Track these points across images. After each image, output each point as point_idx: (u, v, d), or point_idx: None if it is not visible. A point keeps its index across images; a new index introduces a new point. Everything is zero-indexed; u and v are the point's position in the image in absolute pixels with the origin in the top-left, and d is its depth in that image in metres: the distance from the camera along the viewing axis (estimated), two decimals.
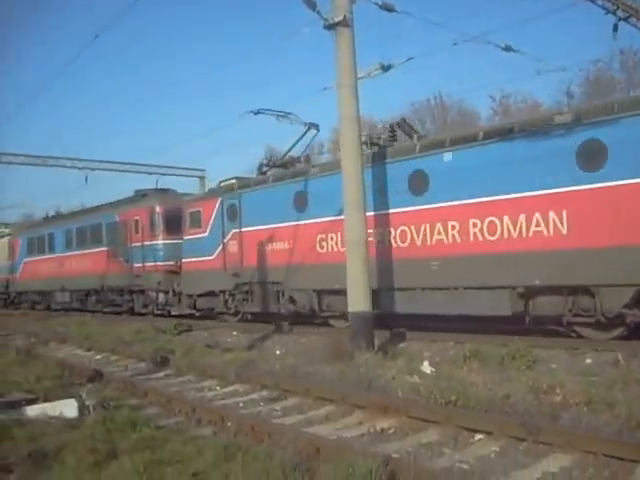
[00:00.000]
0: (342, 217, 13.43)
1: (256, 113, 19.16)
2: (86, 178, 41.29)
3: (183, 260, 21.57)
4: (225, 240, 19.49)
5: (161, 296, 23.78)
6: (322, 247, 16.25)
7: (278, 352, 13.64)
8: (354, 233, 12.55)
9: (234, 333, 17.12)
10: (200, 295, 20.91)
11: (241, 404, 9.01)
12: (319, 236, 16.32)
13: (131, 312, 25.36)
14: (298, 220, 16.94)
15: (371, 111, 34.54)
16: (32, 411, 8.16)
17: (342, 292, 13.68)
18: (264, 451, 5.83)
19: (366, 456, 5.44)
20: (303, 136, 19.29)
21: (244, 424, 7.13)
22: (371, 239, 13.89)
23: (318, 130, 19.32)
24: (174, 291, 22.65)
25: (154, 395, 9.33)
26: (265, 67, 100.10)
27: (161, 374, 11.75)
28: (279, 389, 9.51)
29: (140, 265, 24.25)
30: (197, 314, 21.54)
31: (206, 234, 20.33)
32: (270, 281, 17.78)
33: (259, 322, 18.66)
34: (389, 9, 13.89)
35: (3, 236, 41.77)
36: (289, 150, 19.83)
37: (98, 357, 14.71)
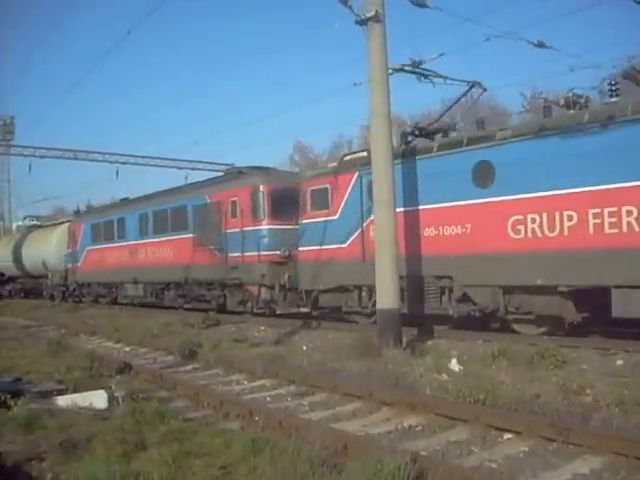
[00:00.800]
0: (552, 192, 12.30)
1: (397, 70, 14.93)
2: (117, 172, 41.69)
3: (300, 248, 18.05)
4: (365, 224, 15.93)
5: (264, 291, 19.78)
6: (518, 231, 13.01)
7: (305, 347, 13.64)
8: (384, 230, 12.49)
9: (262, 328, 17.15)
10: (324, 291, 17.51)
11: (269, 398, 9.04)
12: (513, 218, 13.07)
13: (221, 309, 21.33)
14: (479, 197, 13.72)
15: (400, 108, 34.27)
16: (63, 401, 8.25)
17: (547, 290, 12.41)
18: (292, 446, 5.82)
19: (394, 453, 5.41)
20: (464, 95, 16.55)
21: (272, 418, 7.15)
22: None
23: (484, 89, 16.65)
24: (281, 286, 19.07)
25: (182, 388, 9.39)
26: (295, 63, 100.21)
27: (189, 367, 11.83)
28: (306, 384, 9.53)
29: (238, 255, 20.25)
30: (314, 313, 18.72)
31: (336, 217, 16.95)
32: (433, 275, 14.66)
33: (287, 317, 18.66)
34: (421, 5, 13.78)
35: (59, 223, 38.26)
36: (445, 112, 17.18)
37: (127, 349, 14.84)
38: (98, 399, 8.17)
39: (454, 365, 10.48)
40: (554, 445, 6.25)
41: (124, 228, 28.22)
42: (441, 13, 14.47)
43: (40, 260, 35.91)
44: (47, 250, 35.37)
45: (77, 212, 40.47)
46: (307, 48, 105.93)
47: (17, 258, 39.13)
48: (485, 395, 7.95)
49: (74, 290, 33.50)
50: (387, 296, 12.40)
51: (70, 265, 32.65)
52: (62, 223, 36.64)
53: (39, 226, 40.30)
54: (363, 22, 12.62)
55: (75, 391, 8.72)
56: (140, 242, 26.74)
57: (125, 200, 31.82)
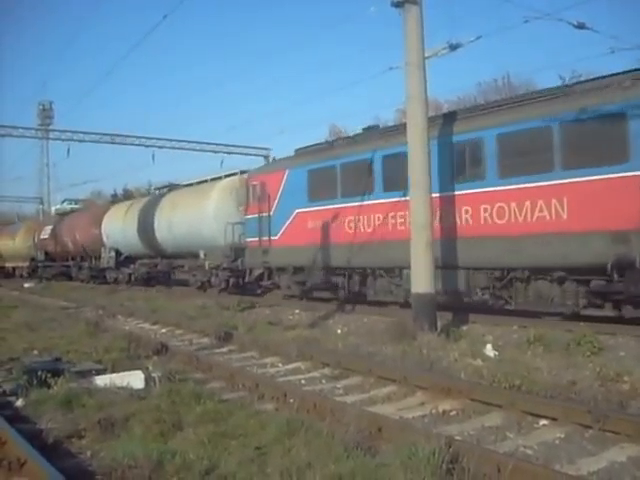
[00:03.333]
0: None
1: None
2: (153, 156, 42.01)
3: None
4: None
5: None
6: None
7: (339, 331, 13.67)
8: (419, 214, 12.43)
9: (296, 311, 17.21)
10: None
11: (303, 381, 9.09)
12: None
13: None
14: None
15: (436, 92, 33.92)
16: (101, 381, 8.39)
17: None
18: (326, 428, 5.86)
19: (429, 437, 5.41)
20: None
21: (306, 401, 7.18)
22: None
23: None
24: None
25: (218, 370, 9.47)
26: (331, 48, 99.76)
27: (225, 349, 11.92)
28: (341, 368, 9.56)
29: None
30: None
31: None
32: None
33: (321, 301, 18.71)
34: None
35: (217, 178, 25.69)
36: None
37: (163, 331, 15.01)
38: (135, 379, 8.29)
39: (489, 350, 10.43)
40: (590, 432, 6.20)
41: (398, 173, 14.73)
42: None
43: (185, 232, 25.22)
44: (200, 217, 24.12)
45: (272, 159, 30.41)
46: (343, 33, 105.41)
47: (145, 230, 28.53)
48: (520, 381, 7.91)
49: (261, 277, 22.24)
50: (422, 281, 12.36)
51: (251, 239, 21.40)
52: (221, 178, 25.14)
53: (179, 186, 29.21)
54: (399, 4, 12.52)
55: (113, 371, 8.88)
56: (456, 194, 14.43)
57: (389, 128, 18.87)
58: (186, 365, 9.97)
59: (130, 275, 32.13)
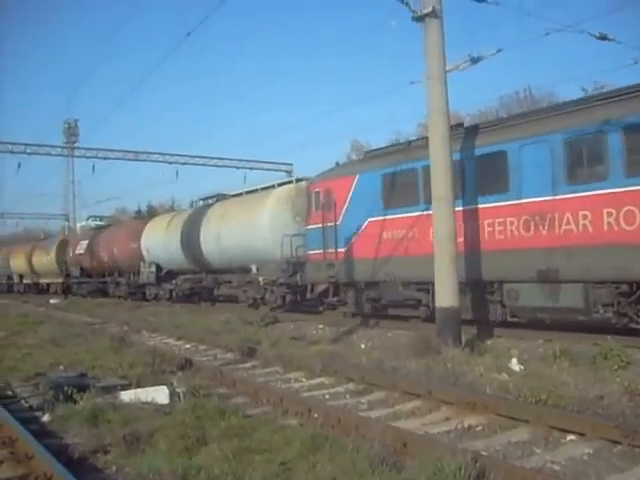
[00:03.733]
0: None
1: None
2: (176, 172, 42.45)
3: None
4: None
5: None
6: None
7: (363, 346, 13.62)
8: (443, 227, 12.38)
9: (320, 326, 17.18)
10: None
11: (327, 396, 9.06)
12: None
13: None
14: None
15: (457, 105, 33.93)
16: (126, 396, 8.43)
17: None
18: (351, 443, 5.84)
19: (454, 452, 5.37)
20: None
21: (331, 416, 7.16)
22: None
23: None
24: None
25: (242, 385, 9.48)
26: (352, 62, 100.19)
27: (248, 364, 11.92)
28: (365, 382, 9.52)
29: None
30: None
31: None
32: None
33: (344, 316, 18.66)
34: None
35: (269, 187, 23.44)
36: None
37: (187, 346, 15.04)
38: (160, 394, 8.32)
39: (514, 365, 10.33)
40: (619, 448, 6.10)
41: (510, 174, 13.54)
42: (499, 7, 14.26)
43: (235, 245, 22.98)
44: (252, 229, 21.97)
45: (339, 163, 23.96)
46: (363, 47, 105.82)
47: (190, 243, 26.42)
48: (547, 395, 7.82)
49: (325, 293, 19.70)
50: (446, 295, 12.29)
51: (313, 252, 19.21)
52: (274, 187, 22.99)
53: (227, 196, 26.88)
54: (420, 18, 12.55)
55: (138, 386, 8.91)
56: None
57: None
58: (210, 380, 9.98)
59: (171, 291, 29.74)
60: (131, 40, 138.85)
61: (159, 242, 29.51)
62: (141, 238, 31.10)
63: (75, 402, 8.08)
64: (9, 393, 9.47)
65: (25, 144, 40.82)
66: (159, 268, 29.99)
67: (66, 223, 76.00)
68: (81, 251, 39.57)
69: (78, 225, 66.47)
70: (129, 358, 11.69)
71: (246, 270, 23.01)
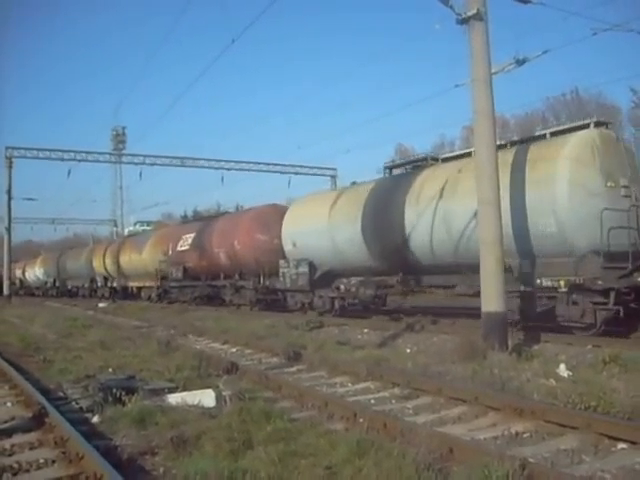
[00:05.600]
0: None
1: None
2: (222, 178, 42.88)
3: None
4: None
5: None
6: None
7: (409, 350, 13.55)
8: (489, 231, 12.28)
9: (365, 330, 17.15)
10: None
11: (373, 401, 9.02)
12: None
13: None
14: None
15: (502, 108, 33.57)
16: (173, 399, 8.51)
17: None
18: (397, 448, 5.81)
19: (502, 459, 5.30)
20: None
21: (376, 421, 7.13)
22: None
23: None
24: None
25: (287, 389, 9.49)
26: (396, 66, 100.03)
27: (294, 369, 11.95)
28: (411, 387, 9.46)
29: None
30: None
31: None
32: None
33: (389, 321, 18.60)
34: (524, 0, 13.49)
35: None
36: None
37: (233, 350, 15.13)
38: (206, 398, 8.38)
39: (562, 370, 10.17)
40: None
41: None
42: (544, 8, 14.12)
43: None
44: (535, 201, 13.87)
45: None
46: (408, 51, 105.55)
47: (381, 231, 18.73)
48: (596, 402, 7.67)
49: None
50: (492, 299, 12.18)
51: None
52: (566, 134, 14.68)
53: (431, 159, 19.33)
54: (464, 21, 12.50)
55: (185, 389, 9.00)
56: None
57: None
58: (256, 384, 10.02)
59: (333, 300, 21.47)
60: (177, 48, 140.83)
61: (316, 231, 21.46)
62: (283, 226, 23.72)
63: (124, 404, 8.20)
64: (60, 394, 9.66)
65: (75, 151, 41.79)
66: (313, 268, 21.98)
67: (114, 228, 77.53)
68: (185, 247, 32.16)
69: (126, 230, 67.74)
70: (176, 361, 11.80)
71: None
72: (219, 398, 8.34)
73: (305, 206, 23.55)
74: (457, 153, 19.18)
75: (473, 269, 13.40)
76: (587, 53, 68.95)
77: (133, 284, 41.62)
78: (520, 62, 14.72)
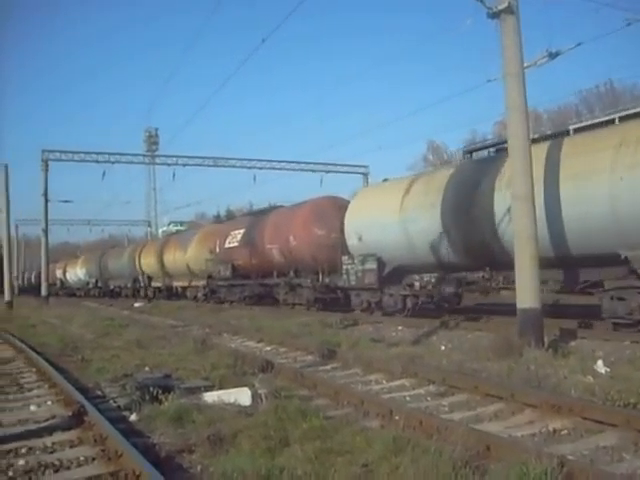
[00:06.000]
0: None
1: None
2: (254, 177, 43.07)
3: None
4: None
5: None
6: None
7: (443, 347, 13.50)
8: (523, 227, 12.17)
9: (399, 328, 17.11)
10: None
11: (408, 398, 9.00)
12: None
13: None
14: None
15: (535, 102, 33.18)
16: (209, 397, 8.59)
17: None
18: (433, 446, 5.79)
19: (540, 456, 5.25)
20: None
21: (412, 418, 7.10)
22: None
23: None
24: None
25: (323, 387, 9.50)
26: (427, 63, 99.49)
27: (328, 366, 11.96)
28: (446, 385, 9.42)
29: None
30: None
31: None
32: None
33: (423, 317, 18.52)
34: None
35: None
36: None
37: (268, 348, 15.19)
38: (242, 396, 8.43)
39: (600, 367, 10.04)
40: None
41: None
42: (577, 0, 13.93)
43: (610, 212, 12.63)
44: None
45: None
46: (438, 47, 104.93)
47: (467, 221, 16.47)
48: (636, 399, 7.56)
49: None
50: (528, 295, 12.07)
51: None
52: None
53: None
54: (495, 15, 12.40)
55: (221, 388, 9.07)
56: None
57: None
58: (291, 382, 10.05)
59: (405, 299, 19.14)
60: (207, 49, 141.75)
61: (386, 223, 19.33)
62: (345, 218, 21.80)
63: (160, 402, 8.28)
64: (98, 393, 9.79)
65: (109, 153, 42.22)
66: (381, 264, 19.90)
67: (148, 229, 78.34)
68: (233, 244, 30.51)
69: (159, 230, 68.48)
70: (211, 360, 11.89)
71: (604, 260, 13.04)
72: (255, 396, 8.38)
73: (372, 196, 21.32)
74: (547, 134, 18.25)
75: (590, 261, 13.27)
76: (621, 44, 67.85)
77: (178, 284, 40.39)
78: (553, 55, 14.52)
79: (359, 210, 21.22)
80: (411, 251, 18.58)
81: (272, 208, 30.46)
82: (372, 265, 19.82)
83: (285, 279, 26.12)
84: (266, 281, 28.12)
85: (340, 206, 23.47)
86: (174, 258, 39.66)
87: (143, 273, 45.83)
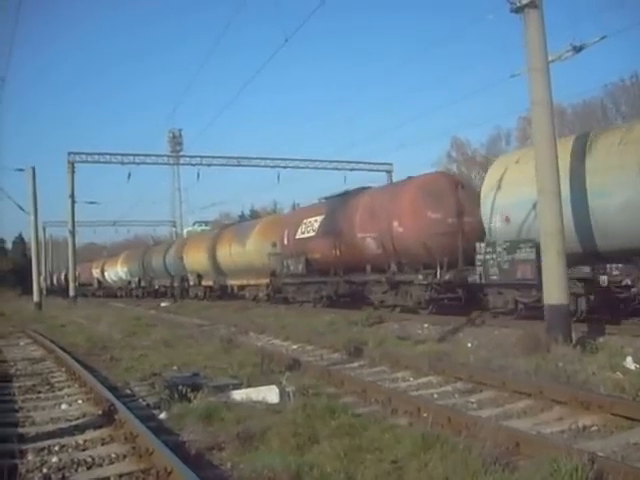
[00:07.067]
0: None
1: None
2: (278, 176, 43.12)
3: None
4: None
5: None
6: None
7: (470, 344, 13.45)
8: (549, 222, 12.10)
9: (425, 325, 17.08)
10: None
11: (436, 395, 8.99)
12: None
13: None
14: None
15: (560, 96, 32.77)
16: (237, 395, 8.63)
17: None
18: (462, 443, 5.78)
19: (570, 453, 5.22)
20: None
21: (440, 415, 7.10)
22: None
23: None
24: None
25: (350, 384, 9.53)
26: (449, 59, 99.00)
27: (355, 364, 11.97)
28: (473, 382, 9.40)
29: None
30: None
31: None
32: None
33: (450, 315, 18.46)
34: None
35: None
36: None
37: (294, 347, 15.24)
38: (270, 394, 8.47)
39: (630, 363, 9.94)
40: None
41: None
42: None
43: None
44: None
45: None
46: (461, 42, 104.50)
47: None
48: None
49: None
50: (555, 291, 12.00)
51: None
52: None
53: None
54: (519, 10, 12.36)
55: (249, 386, 9.10)
56: None
57: None
58: (318, 380, 10.07)
59: (585, 297, 14.24)
60: (231, 48, 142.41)
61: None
62: (482, 194, 17.31)
63: (189, 401, 8.35)
64: (127, 392, 9.89)
65: (134, 155, 42.52)
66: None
67: (173, 229, 78.81)
68: (308, 233, 25.80)
69: (185, 230, 68.78)
70: (239, 358, 11.96)
71: None
72: (283, 394, 8.42)
73: (526, 162, 15.22)
74: None
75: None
76: None
77: (233, 282, 35.37)
78: (577, 49, 14.36)
79: (505, 183, 16.50)
80: (587, 234, 14.05)
81: (361, 189, 25.00)
82: (528, 254, 15.03)
83: (385, 275, 20.82)
84: (355, 277, 23.10)
85: (456, 183, 19.89)
86: (229, 253, 34.45)
87: (193, 271, 40.86)
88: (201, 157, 44.41)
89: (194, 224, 67.42)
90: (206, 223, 65.66)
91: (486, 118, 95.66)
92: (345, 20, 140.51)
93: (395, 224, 19.89)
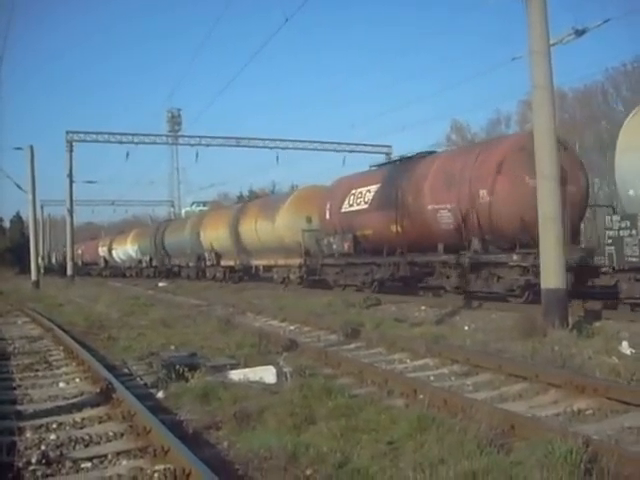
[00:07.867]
0: None
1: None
2: (277, 157, 43.03)
3: None
4: None
5: None
6: None
7: (467, 327, 13.49)
8: (547, 206, 12.11)
9: (422, 308, 17.13)
10: None
11: (432, 377, 9.03)
12: None
13: None
14: None
15: (561, 80, 32.70)
16: (235, 375, 8.67)
17: None
18: (458, 424, 5.82)
19: (565, 436, 5.26)
20: None
21: (436, 397, 7.13)
22: None
23: None
24: None
25: (347, 365, 9.55)
26: (450, 42, 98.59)
27: (352, 346, 12.00)
28: (470, 364, 9.43)
29: None
30: None
31: None
32: None
33: (447, 298, 18.51)
34: None
35: None
36: None
37: (292, 328, 15.26)
38: (267, 374, 8.51)
39: (625, 348, 9.99)
40: None
41: None
42: None
43: None
44: None
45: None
46: (462, 26, 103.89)
47: None
48: None
49: None
50: (552, 276, 12.04)
51: None
52: None
53: None
54: None
55: (246, 366, 9.14)
56: None
57: None
58: (315, 361, 10.10)
59: None
60: (231, 29, 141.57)
61: None
62: (617, 156, 14.22)
63: (187, 380, 8.38)
64: (125, 371, 9.93)
65: (132, 134, 42.43)
66: None
67: (171, 209, 78.76)
68: (358, 206, 22.39)
69: (183, 211, 68.75)
70: (236, 339, 12.00)
71: None
72: (280, 374, 8.46)
73: None
74: None
75: None
76: None
77: (259, 262, 31.72)
78: (579, 33, 14.34)
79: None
80: None
81: (428, 153, 21.18)
82: None
83: (467, 254, 17.16)
84: (421, 258, 19.45)
85: (559, 144, 14.00)
86: (255, 230, 30.60)
87: (212, 250, 36.58)
88: (200, 137, 44.37)
89: (192, 204, 67.42)
90: (204, 203, 65.66)
91: (486, 101, 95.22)
92: (346, 5, 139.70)
93: (482, 193, 16.52)
